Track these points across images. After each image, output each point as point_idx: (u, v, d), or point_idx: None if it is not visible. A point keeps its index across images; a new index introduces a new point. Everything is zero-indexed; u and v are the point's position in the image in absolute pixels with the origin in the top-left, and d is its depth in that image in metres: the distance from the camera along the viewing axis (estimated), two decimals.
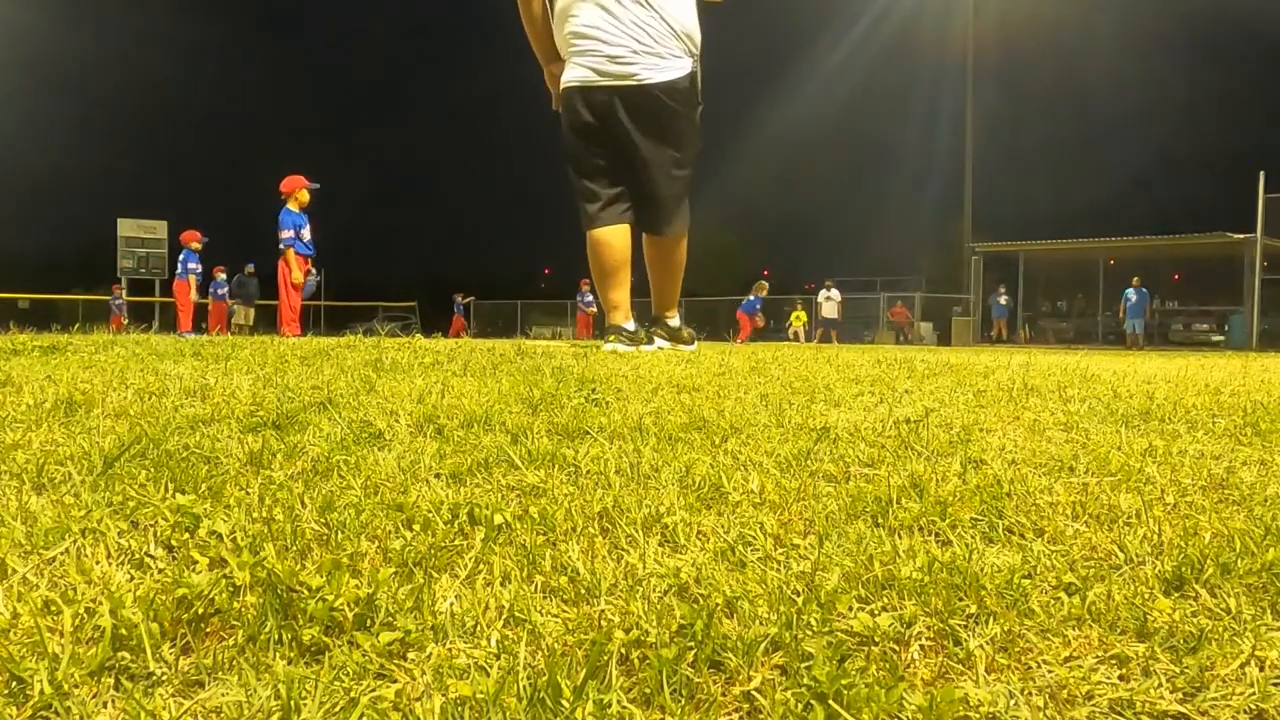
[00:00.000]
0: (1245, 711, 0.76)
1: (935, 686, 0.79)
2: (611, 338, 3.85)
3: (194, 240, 16.23)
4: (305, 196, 10.52)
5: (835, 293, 25.24)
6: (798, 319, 26.54)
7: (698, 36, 3.90)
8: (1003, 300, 25.98)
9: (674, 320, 4.14)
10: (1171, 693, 0.78)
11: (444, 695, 0.75)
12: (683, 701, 0.77)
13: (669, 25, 3.79)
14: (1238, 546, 1.06)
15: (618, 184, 3.90)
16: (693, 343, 4.28)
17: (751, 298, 24.28)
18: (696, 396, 2.16)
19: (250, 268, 20.64)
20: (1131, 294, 22.68)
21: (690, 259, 4.23)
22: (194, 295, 16.16)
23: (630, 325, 3.95)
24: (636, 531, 1.13)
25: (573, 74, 3.89)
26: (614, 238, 3.87)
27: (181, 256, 16.35)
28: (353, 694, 0.75)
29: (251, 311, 20.27)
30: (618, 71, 3.79)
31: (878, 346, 13.96)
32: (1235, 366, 4.39)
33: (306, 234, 10.55)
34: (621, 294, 3.92)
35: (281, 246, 10.44)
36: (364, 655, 0.81)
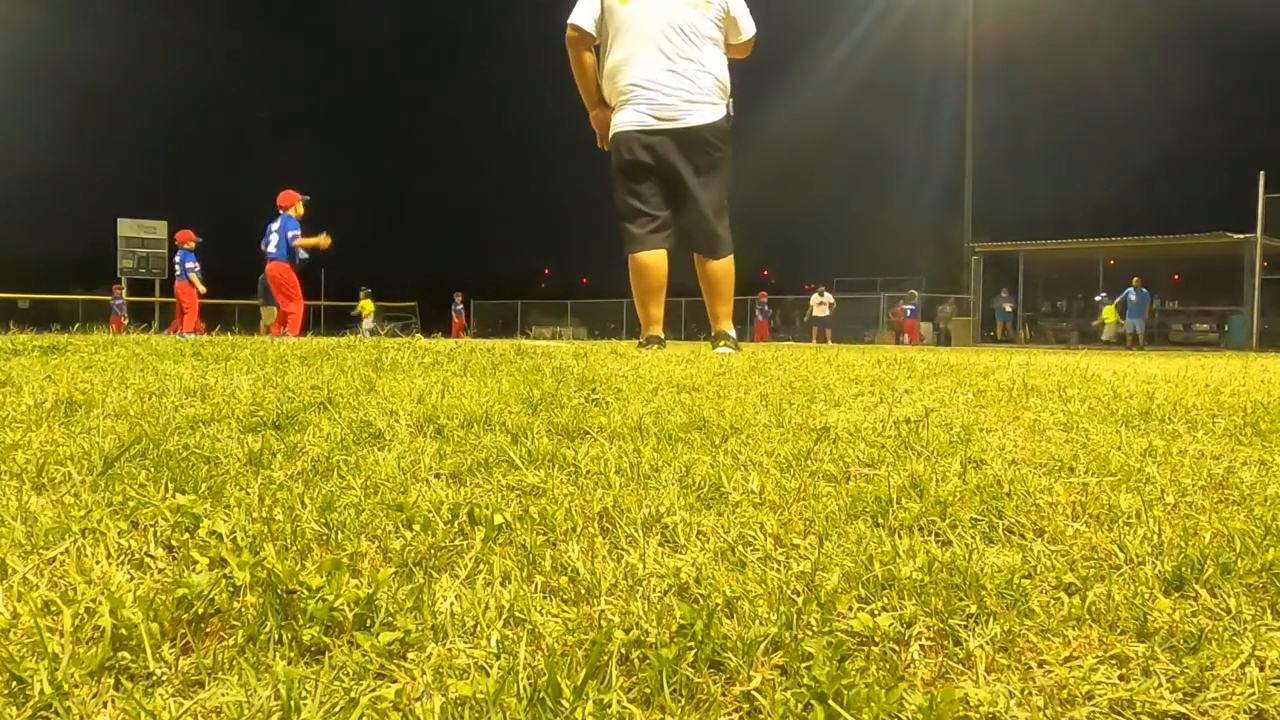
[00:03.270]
0: (1245, 711, 0.76)
1: (935, 686, 0.79)
2: (654, 348, 4.34)
3: (189, 240, 16.21)
4: (302, 209, 11.02)
5: (828, 295, 26.61)
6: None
7: (729, 84, 4.56)
8: (1008, 308, 26.13)
9: (731, 330, 4.76)
10: (1171, 693, 0.78)
11: (444, 695, 0.75)
12: (683, 701, 0.77)
13: (712, 76, 4.44)
14: (1238, 546, 1.06)
15: (661, 214, 4.51)
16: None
17: (910, 307, 27.16)
18: (696, 396, 2.16)
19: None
20: (1132, 294, 22.68)
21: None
22: (202, 288, 16.10)
23: (663, 336, 4.57)
24: (636, 531, 1.13)
25: (629, 118, 4.46)
26: (658, 261, 4.52)
27: (178, 258, 16.28)
28: (353, 694, 0.75)
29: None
30: (671, 115, 4.41)
31: (878, 346, 13.96)
32: (1235, 366, 4.39)
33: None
34: (660, 310, 4.57)
35: (289, 242, 10.73)
36: (364, 655, 0.81)
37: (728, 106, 4.54)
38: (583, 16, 4.43)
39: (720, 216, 4.56)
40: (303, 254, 10.85)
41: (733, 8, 4.47)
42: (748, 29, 4.53)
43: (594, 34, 4.46)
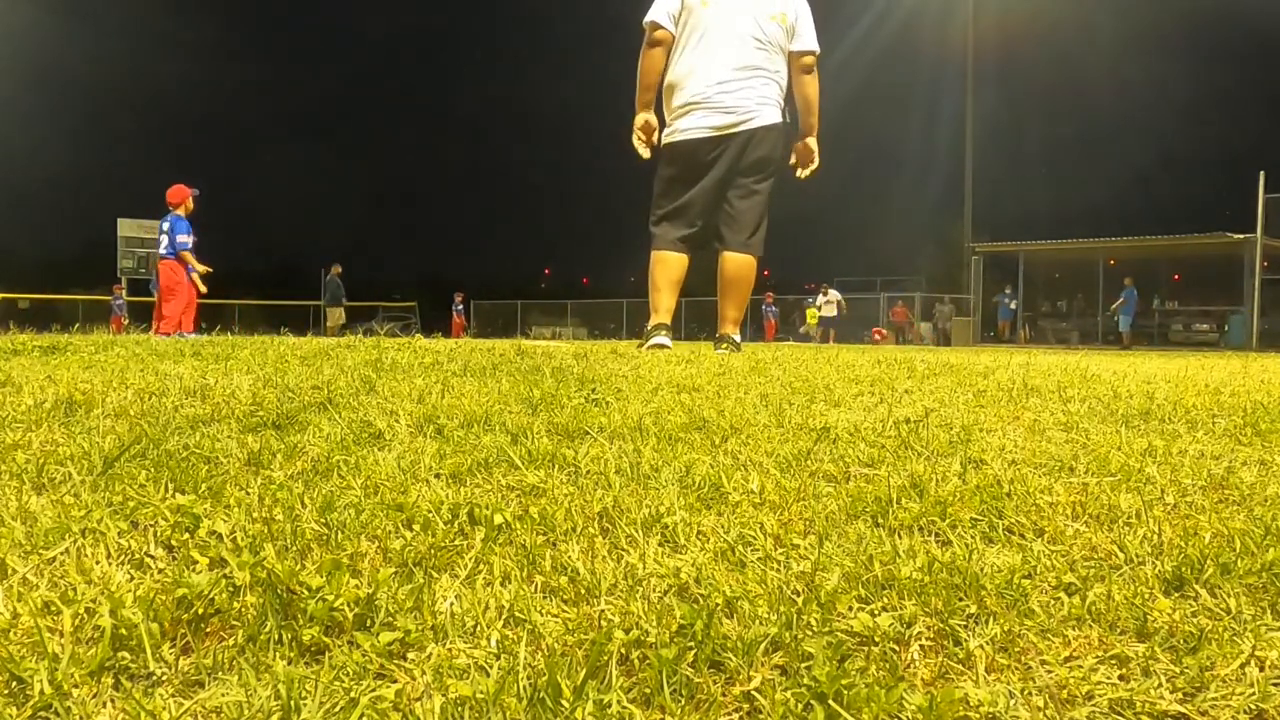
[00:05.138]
0: (1245, 711, 0.76)
1: (935, 686, 0.79)
2: (664, 332, 4.48)
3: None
4: (192, 204, 11.05)
5: (834, 293, 26.98)
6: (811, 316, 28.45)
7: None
8: (1011, 305, 26.17)
9: (737, 335, 4.76)
10: (1171, 693, 0.78)
11: (444, 695, 0.75)
12: (683, 701, 0.77)
13: (777, 84, 4.52)
14: (1238, 546, 1.06)
15: (696, 225, 4.55)
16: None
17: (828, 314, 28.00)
18: (696, 396, 2.16)
19: (337, 268, 21.08)
20: (1130, 295, 22.74)
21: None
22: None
23: (669, 336, 4.60)
24: (636, 531, 1.13)
25: (691, 124, 4.48)
26: (680, 262, 4.60)
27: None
28: (353, 694, 0.75)
29: (341, 312, 20.67)
30: (735, 122, 4.44)
31: (878, 346, 13.96)
32: (1235, 366, 4.39)
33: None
34: (672, 301, 4.65)
35: (178, 248, 10.80)
36: (364, 655, 0.81)
37: (784, 112, 4.59)
38: (661, 13, 4.40)
39: (756, 216, 4.56)
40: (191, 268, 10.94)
41: (801, 21, 4.50)
42: (807, 40, 4.53)
43: (674, 31, 4.42)
